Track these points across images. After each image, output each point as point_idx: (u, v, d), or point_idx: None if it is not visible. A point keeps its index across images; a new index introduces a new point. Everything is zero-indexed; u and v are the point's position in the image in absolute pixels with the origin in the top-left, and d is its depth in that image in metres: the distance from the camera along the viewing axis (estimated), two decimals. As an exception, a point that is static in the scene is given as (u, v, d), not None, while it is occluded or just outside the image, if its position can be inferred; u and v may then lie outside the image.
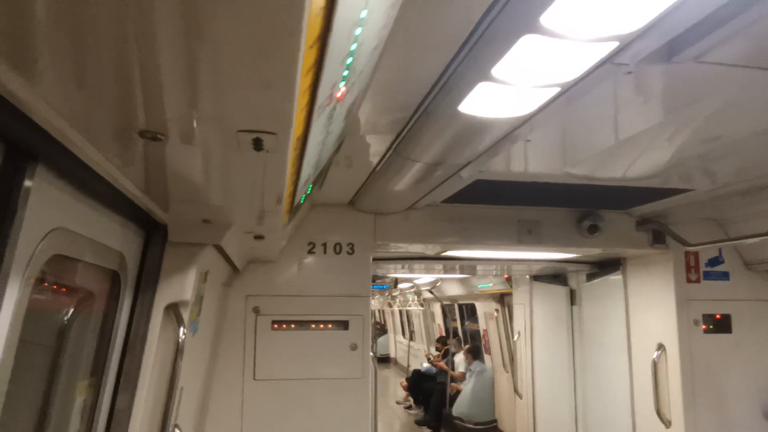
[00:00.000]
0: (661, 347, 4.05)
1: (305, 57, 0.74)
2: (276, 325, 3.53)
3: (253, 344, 3.48)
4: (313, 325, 3.58)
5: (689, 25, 1.44)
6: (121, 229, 1.76)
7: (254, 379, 3.46)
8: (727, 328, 4.03)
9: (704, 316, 4.00)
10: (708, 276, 4.03)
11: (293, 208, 2.13)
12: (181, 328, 2.02)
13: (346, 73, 1.06)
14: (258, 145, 1.06)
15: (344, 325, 3.62)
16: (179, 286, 2.01)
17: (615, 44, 1.52)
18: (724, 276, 4.06)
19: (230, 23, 0.70)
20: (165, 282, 1.98)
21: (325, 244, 3.68)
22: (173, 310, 2.01)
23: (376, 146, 2.57)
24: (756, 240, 3.54)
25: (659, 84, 1.87)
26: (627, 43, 1.52)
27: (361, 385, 3.59)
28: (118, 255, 1.78)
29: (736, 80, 1.84)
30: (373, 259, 3.86)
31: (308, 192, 2.38)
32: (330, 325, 3.61)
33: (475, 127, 2.08)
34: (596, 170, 3.08)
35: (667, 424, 3.98)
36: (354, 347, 3.59)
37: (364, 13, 0.86)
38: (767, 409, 3.98)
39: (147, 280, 1.96)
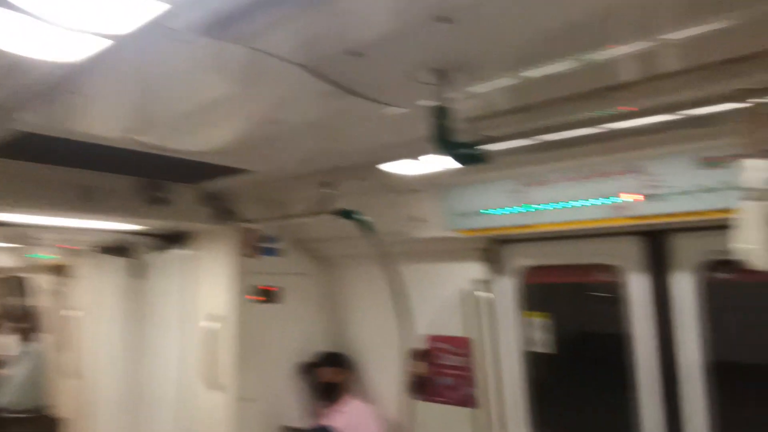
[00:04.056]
0: (219, 318, 4.25)
1: None
2: None
3: None
4: None
5: (235, 3, 1.47)
6: None
7: None
8: (278, 299, 4.49)
9: (258, 288, 4.37)
10: (264, 251, 4.40)
11: None
12: None
13: None
14: None
15: None
16: None
17: (166, 6, 1.45)
18: (278, 252, 4.52)
19: None
20: None
21: None
22: None
23: None
24: (305, 220, 4.03)
25: (214, 59, 1.88)
26: (180, 9, 1.47)
27: None
28: None
29: (284, 72, 1.98)
30: None
31: None
32: None
33: None
34: (163, 140, 2.98)
35: (220, 388, 4.22)
36: None
37: None
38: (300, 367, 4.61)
39: None
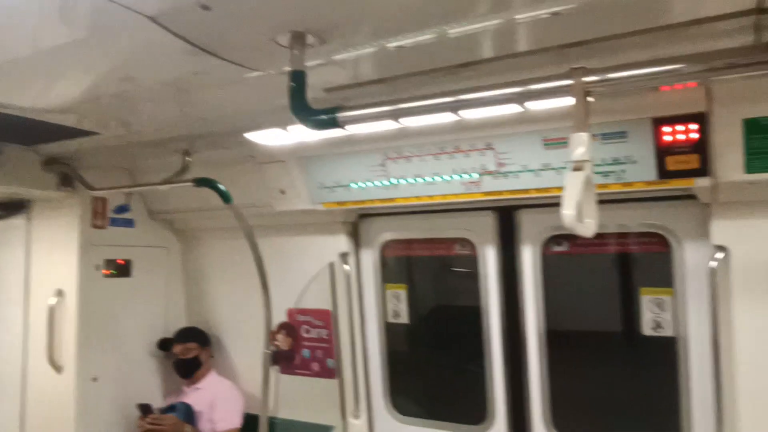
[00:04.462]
0: (60, 293, 3.93)
1: None
2: None
3: None
4: None
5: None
6: None
7: None
8: (128, 272, 4.23)
9: (107, 261, 4.08)
10: (114, 222, 4.12)
11: None
12: None
13: None
14: None
15: None
16: None
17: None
18: (130, 223, 4.25)
19: None
20: None
21: None
22: None
23: None
24: (161, 189, 3.79)
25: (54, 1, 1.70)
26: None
27: None
28: None
29: (133, 22, 1.83)
30: None
31: None
32: None
33: None
34: (-4, 94, 2.67)
35: (59, 369, 3.91)
36: None
37: None
38: (156, 344, 4.40)
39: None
